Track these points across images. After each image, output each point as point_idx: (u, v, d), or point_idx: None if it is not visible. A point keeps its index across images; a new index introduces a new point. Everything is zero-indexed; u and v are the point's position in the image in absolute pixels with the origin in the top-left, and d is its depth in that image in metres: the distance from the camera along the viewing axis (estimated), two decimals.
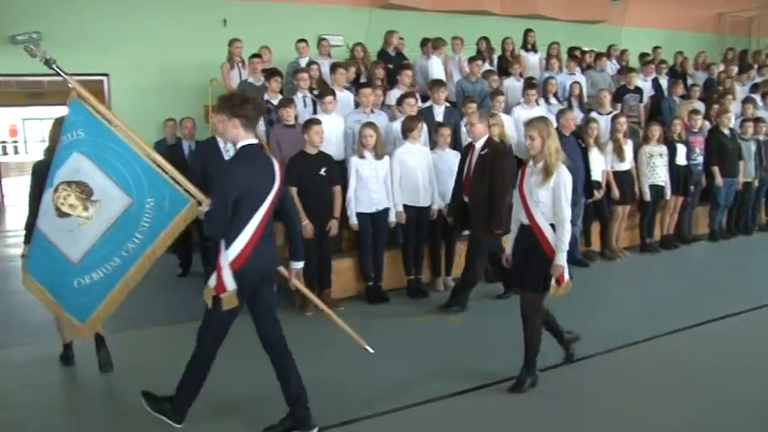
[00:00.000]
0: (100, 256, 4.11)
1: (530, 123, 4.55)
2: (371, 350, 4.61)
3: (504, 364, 4.86)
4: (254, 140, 3.91)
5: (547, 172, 4.39)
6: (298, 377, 4.04)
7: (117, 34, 9.47)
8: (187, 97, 9.55)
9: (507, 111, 8.65)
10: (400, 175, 6.65)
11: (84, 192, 4.11)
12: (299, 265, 4.29)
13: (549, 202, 4.40)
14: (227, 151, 6.73)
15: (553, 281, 4.41)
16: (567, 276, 4.43)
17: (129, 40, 9.52)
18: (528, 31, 10.80)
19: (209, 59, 9.29)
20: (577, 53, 10.74)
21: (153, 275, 7.69)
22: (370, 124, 6.48)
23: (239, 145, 3.90)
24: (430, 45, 9.74)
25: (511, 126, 8.23)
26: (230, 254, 3.81)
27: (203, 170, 6.69)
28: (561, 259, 4.38)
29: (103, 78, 9.69)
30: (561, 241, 4.38)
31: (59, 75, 4.32)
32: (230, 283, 3.77)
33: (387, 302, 6.66)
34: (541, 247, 4.44)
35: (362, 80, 8.95)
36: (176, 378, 4.08)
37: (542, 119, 4.66)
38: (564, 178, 4.38)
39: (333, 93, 7.04)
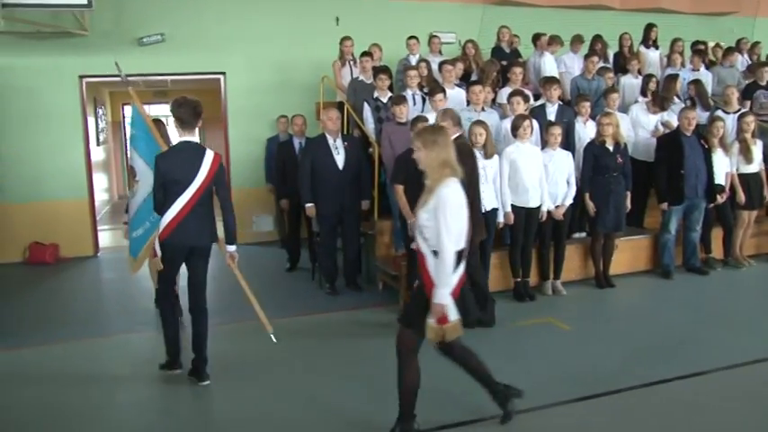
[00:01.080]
0: (139, 218, 5.31)
1: (416, 133, 4.03)
2: (275, 339, 5.00)
3: (611, 372, 4.62)
4: (189, 138, 4.73)
5: (429, 190, 3.80)
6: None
7: (234, 34, 9.71)
8: (299, 95, 9.68)
9: (624, 109, 8.28)
10: (509, 175, 6.48)
11: (132, 172, 5.40)
12: (232, 248, 4.99)
13: (432, 225, 3.73)
14: (336, 148, 6.81)
15: (431, 321, 3.72)
16: (451, 317, 3.71)
17: (244, 40, 9.75)
18: (650, 26, 10.26)
19: (321, 57, 9.37)
20: (702, 48, 10.12)
21: (262, 269, 8.06)
22: (479, 122, 6.34)
23: (174, 141, 4.99)
24: (543, 41, 9.46)
25: (627, 125, 7.84)
26: (160, 227, 4.74)
27: (312, 165, 6.81)
28: (440, 297, 3.67)
29: (220, 77, 9.98)
30: (441, 274, 3.68)
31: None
32: (158, 250, 4.80)
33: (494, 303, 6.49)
34: (422, 279, 3.84)
35: (473, 78, 8.80)
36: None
37: (430, 127, 4.14)
38: (444, 198, 3.68)
39: (443, 90, 6.95)
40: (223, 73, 9.89)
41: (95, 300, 7.43)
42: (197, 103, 4.70)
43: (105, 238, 10.91)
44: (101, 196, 13.42)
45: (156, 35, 9.42)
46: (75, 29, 8.96)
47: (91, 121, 12.31)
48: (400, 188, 6.09)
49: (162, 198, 4.68)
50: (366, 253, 7.45)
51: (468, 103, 7.25)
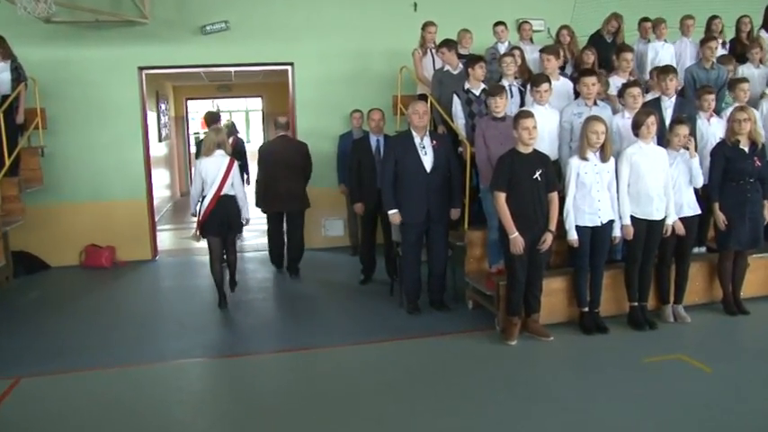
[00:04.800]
0: None
1: None
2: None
3: None
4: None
5: None
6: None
7: (303, 22, 9.02)
8: (374, 87, 8.90)
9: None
10: (629, 181, 5.47)
11: None
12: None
13: None
14: (424, 147, 5.93)
15: None
16: None
17: (314, 28, 9.03)
18: None
19: (398, 46, 8.58)
20: None
21: (332, 280, 7.27)
22: (597, 119, 5.34)
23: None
24: (649, 27, 8.37)
25: (759, 122, 6.69)
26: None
27: (395, 166, 5.95)
28: None
29: (288, 68, 9.26)
30: None
31: None
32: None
33: (605, 333, 5.51)
34: None
35: (567, 68, 7.83)
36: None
37: None
38: None
39: (548, 80, 5.98)
40: (291, 64, 9.18)
41: (149, 314, 6.73)
42: None
43: (164, 240, 10.37)
44: (162, 194, 12.89)
45: (221, 23, 8.81)
46: (136, 17, 8.38)
47: (152, 116, 11.81)
48: (502, 196, 5.18)
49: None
50: (453, 267, 6.53)
51: (577, 95, 6.24)
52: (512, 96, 6.40)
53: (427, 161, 5.91)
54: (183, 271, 8.54)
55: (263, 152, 7.93)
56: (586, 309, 5.60)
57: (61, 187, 8.56)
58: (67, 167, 8.57)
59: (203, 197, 6.54)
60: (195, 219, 6.83)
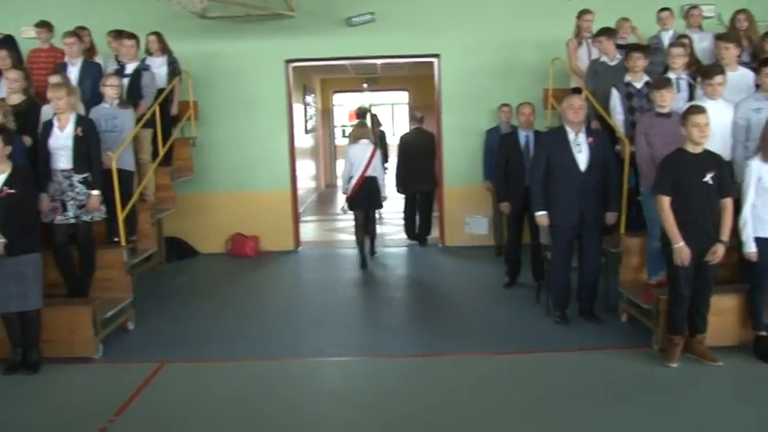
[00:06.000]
0: None
1: None
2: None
3: None
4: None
5: None
6: None
7: (450, 12, 8.71)
8: (524, 80, 8.44)
9: None
10: None
11: None
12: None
13: None
14: (578, 144, 5.47)
15: None
16: None
17: (462, 18, 8.69)
18: None
19: (550, 36, 8.08)
20: None
21: (476, 281, 7.01)
22: None
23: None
24: None
25: None
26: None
27: (547, 162, 5.53)
28: None
29: (434, 60, 9.00)
30: None
31: None
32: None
33: None
34: None
35: (744, 57, 7.00)
36: None
37: None
38: None
39: (722, 71, 5.31)
40: (437, 55, 8.91)
41: (288, 307, 6.73)
42: None
43: (307, 231, 10.47)
44: (306, 185, 13.09)
45: (367, 14, 8.70)
46: (283, 10, 8.45)
47: (299, 108, 11.97)
48: (666, 200, 4.64)
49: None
50: (606, 276, 6.01)
51: (758, 87, 5.50)
52: (679, 90, 5.77)
53: (582, 159, 5.42)
54: (325, 264, 8.55)
55: (402, 142, 9.44)
56: (764, 333, 4.90)
57: (210, 177, 8.80)
58: (216, 158, 8.80)
59: (350, 177, 7.80)
60: (345, 195, 8.05)
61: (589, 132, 5.60)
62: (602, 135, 5.77)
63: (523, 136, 6.63)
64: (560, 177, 5.46)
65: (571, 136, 5.46)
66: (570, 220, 5.49)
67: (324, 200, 14.69)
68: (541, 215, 5.59)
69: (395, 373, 4.94)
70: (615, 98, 6.00)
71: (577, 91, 6.88)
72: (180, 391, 4.67)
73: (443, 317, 6.20)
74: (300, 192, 10.14)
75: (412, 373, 4.94)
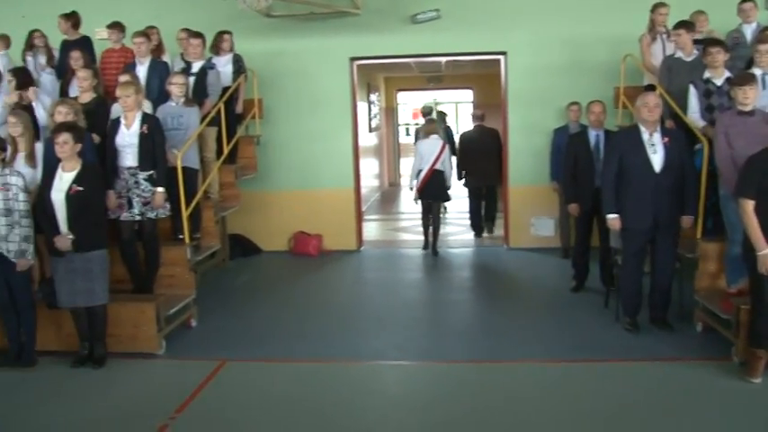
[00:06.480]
0: None
1: None
2: None
3: None
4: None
5: None
6: None
7: (517, 9, 8.51)
8: (594, 77, 8.16)
9: None
10: None
11: None
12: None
13: None
14: (653, 144, 5.22)
15: None
16: None
17: (529, 14, 8.48)
18: None
19: (621, 32, 7.79)
20: None
21: (542, 284, 6.82)
22: None
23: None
24: None
25: None
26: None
27: (619, 165, 5.30)
28: None
29: (500, 57, 8.81)
30: None
31: None
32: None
33: None
34: None
35: None
36: None
37: None
38: None
39: None
40: (504, 53, 8.72)
41: (350, 307, 6.67)
42: None
43: (370, 230, 10.40)
44: (370, 184, 13.04)
45: (432, 11, 8.58)
46: (348, 8, 8.42)
47: (363, 106, 11.93)
48: (750, 204, 4.36)
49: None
50: (680, 282, 5.73)
51: None
52: (764, 87, 5.45)
53: (657, 160, 5.16)
54: (387, 264, 8.48)
55: (464, 139, 9.76)
56: None
57: (274, 175, 8.82)
58: (280, 156, 8.82)
59: (419, 171, 8.40)
60: (412, 189, 8.72)
61: (664, 132, 5.33)
62: (678, 135, 5.49)
63: (593, 135, 6.38)
64: (634, 179, 5.21)
65: (645, 136, 5.21)
66: (644, 224, 5.23)
67: (387, 199, 14.59)
68: (613, 218, 5.35)
69: (455, 379, 4.82)
70: (692, 96, 5.71)
71: (651, 88, 6.60)
72: (240, 391, 4.66)
73: (507, 321, 6.01)
74: (364, 190, 10.09)
75: (472, 379, 4.79)
